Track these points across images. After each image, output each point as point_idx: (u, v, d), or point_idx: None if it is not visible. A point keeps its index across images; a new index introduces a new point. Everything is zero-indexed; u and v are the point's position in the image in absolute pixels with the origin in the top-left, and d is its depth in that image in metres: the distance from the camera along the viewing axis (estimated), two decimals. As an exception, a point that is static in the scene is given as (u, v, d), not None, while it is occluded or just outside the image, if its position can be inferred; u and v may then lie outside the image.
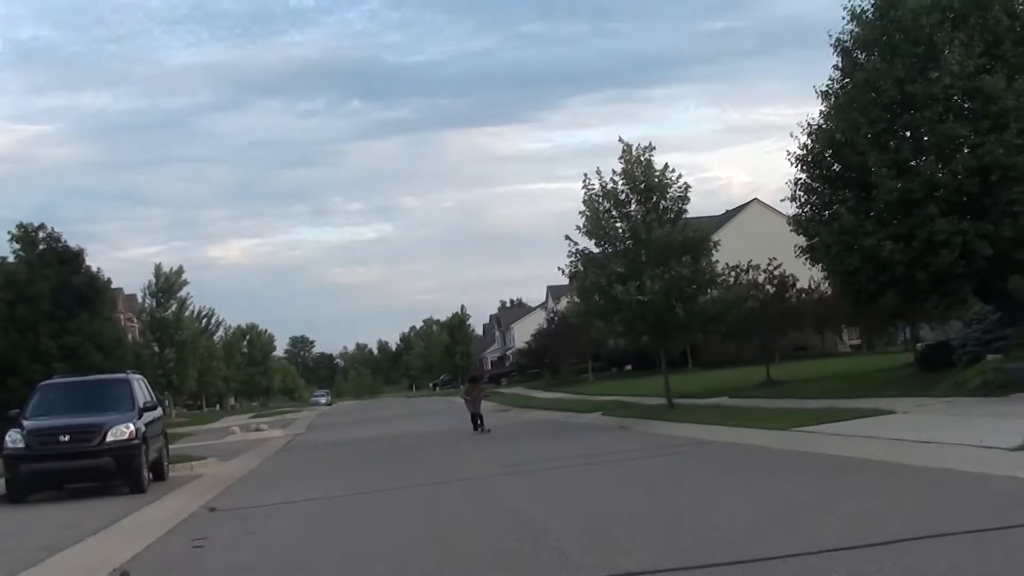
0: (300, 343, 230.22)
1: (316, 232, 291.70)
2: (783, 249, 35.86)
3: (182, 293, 79.09)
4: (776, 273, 41.86)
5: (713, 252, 31.19)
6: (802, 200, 30.13)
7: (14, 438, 19.06)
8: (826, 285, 43.75)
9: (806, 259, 31.17)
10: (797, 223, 30.41)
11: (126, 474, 19.09)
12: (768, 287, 41.61)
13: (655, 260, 29.71)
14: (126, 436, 19.03)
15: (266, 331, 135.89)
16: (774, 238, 44.61)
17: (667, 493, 12.30)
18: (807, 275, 40.37)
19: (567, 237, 31.28)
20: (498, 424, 35.27)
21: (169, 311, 77.56)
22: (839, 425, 17.94)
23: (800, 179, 29.76)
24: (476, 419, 29.99)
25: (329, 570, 9.18)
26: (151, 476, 20.11)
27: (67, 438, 18.93)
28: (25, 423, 19.49)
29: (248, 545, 11.55)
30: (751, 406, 26.73)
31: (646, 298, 28.89)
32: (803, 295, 44.52)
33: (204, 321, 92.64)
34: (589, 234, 30.96)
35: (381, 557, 9.64)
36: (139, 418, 19.90)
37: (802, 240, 30.68)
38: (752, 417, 22.46)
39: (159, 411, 23.15)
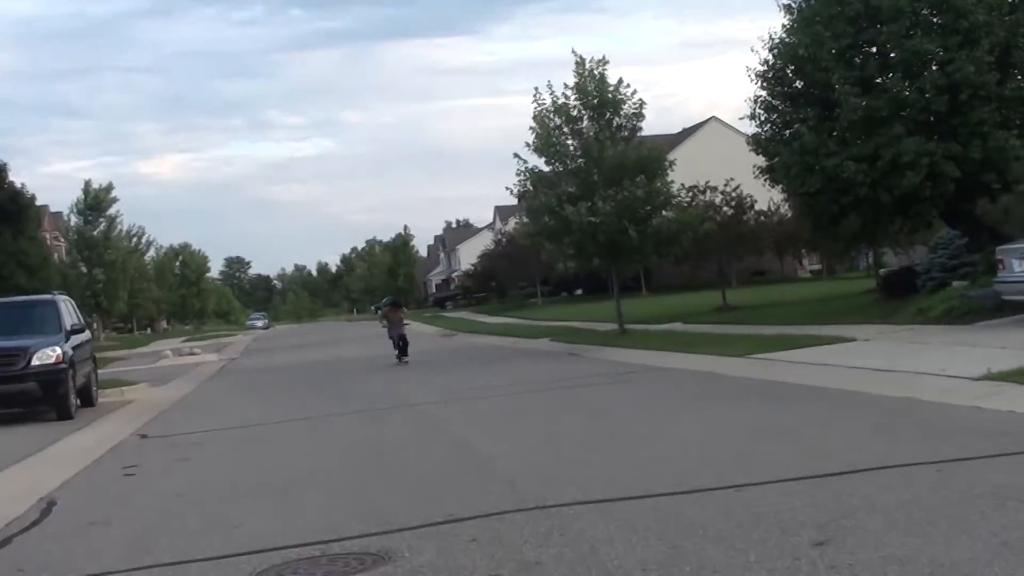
0: (236, 264, 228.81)
1: (253, 147, 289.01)
2: (742, 169, 35.93)
3: (112, 211, 78.19)
4: (734, 194, 42.06)
5: (668, 172, 31.22)
6: (762, 118, 30.07)
7: (-69, 361, 18.82)
8: (786, 207, 44.12)
9: (765, 180, 31.20)
10: (756, 142, 30.39)
11: (53, 400, 18.93)
12: (725, 209, 41.81)
13: (608, 180, 29.69)
14: (52, 360, 18.84)
15: (200, 251, 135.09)
16: (732, 158, 44.74)
17: (617, 421, 12.39)
18: (766, 197, 40.58)
19: (516, 155, 31.18)
20: (442, 349, 35.37)
21: (98, 230, 76.63)
22: (797, 352, 18.13)
23: (760, 96, 29.68)
24: (399, 344, 28.98)
25: (266, 499, 9.17)
26: (79, 402, 19.96)
27: (-11, 361, 18.71)
28: (-57, 346, 19.22)
29: (181, 473, 11.51)
30: (706, 332, 26.94)
31: (598, 219, 28.91)
32: (762, 217, 44.82)
33: (135, 240, 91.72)
34: (539, 152, 30.83)
35: (319, 486, 9.64)
36: (66, 341, 19.68)
37: (761, 160, 30.69)
38: (707, 343, 22.64)
39: (87, 334, 22.94)
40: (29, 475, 12.25)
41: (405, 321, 27.99)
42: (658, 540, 6.33)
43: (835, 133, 26.81)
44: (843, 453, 8.66)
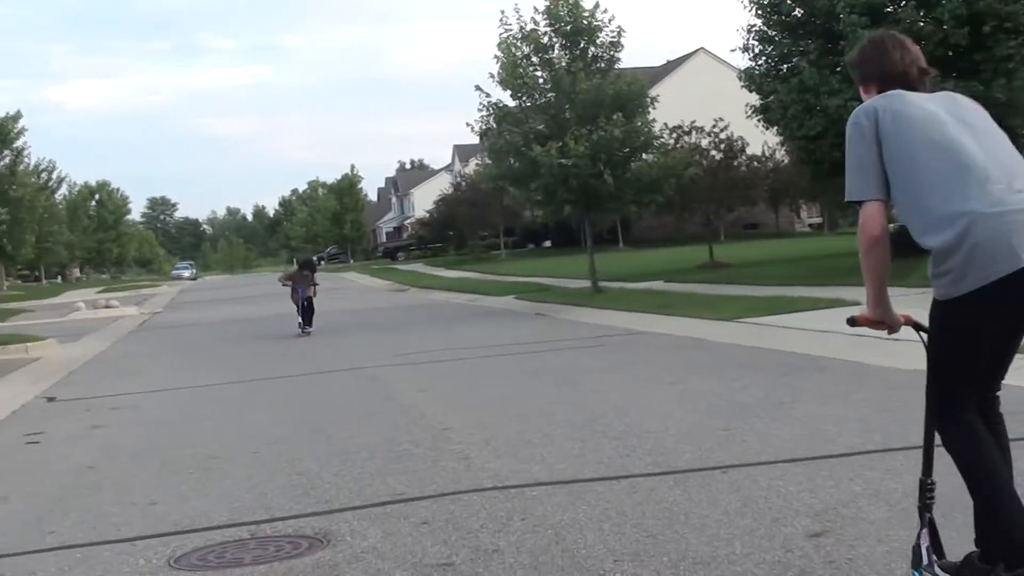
0: (160, 206, 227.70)
1: (180, 74, 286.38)
2: (732, 108, 35.99)
3: (18, 143, 77.13)
4: (723, 136, 42.09)
5: (650, 109, 31.16)
6: (756, 51, 30.07)
7: None
8: (782, 152, 44.32)
9: (759, 121, 31.26)
10: (749, 78, 30.38)
11: (-55, 356, 18.75)
12: (714, 152, 41.87)
13: (581, 117, 29.61)
14: (-55, 311, 18.64)
15: (119, 190, 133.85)
16: (722, 95, 44.80)
17: (590, 391, 12.36)
18: (760, 140, 40.73)
19: (478, 87, 31.03)
20: (393, 306, 35.33)
21: (1, 163, 75.68)
22: (793, 316, 18.18)
23: (754, 26, 29.66)
24: (303, 309, 25.60)
25: (189, 472, 9.10)
26: (-24, 359, 19.78)
27: None
28: None
29: (94, 441, 11.44)
30: (690, 292, 27.00)
31: (570, 162, 28.84)
32: (755, 163, 44.96)
33: (44, 176, 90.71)
34: (504, 84, 30.68)
35: (251, 457, 9.59)
36: (-39, 290, 19.47)
37: (755, 98, 30.71)
38: (691, 305, 22.69)
39: (-14, 282, 22.70)
40: (-82, 442, 12.12)
41: (315, 282, 25.99)
42: (633, 527, 6.31)
43: (839, 69, 26.80)
44: (844, 433, 8.68)
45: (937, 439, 4.62)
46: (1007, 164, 4.41)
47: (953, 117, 4.50)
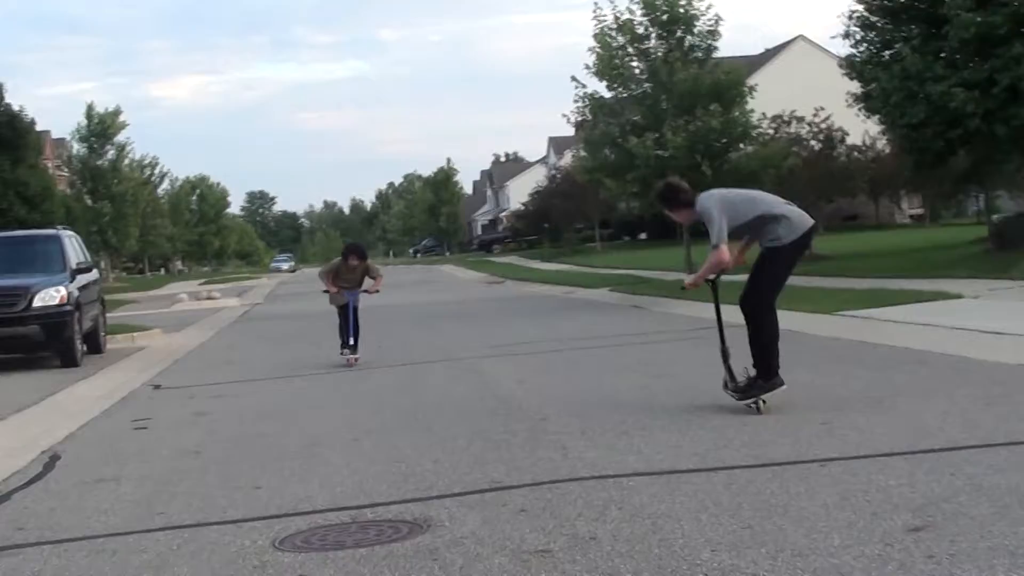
0: (259, 200, 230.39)
1: (277, 69, 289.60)
2: (833, 97, 35.57)
3: (120, 138, 78.56)
4: (823, 126, 41.64)
5: (748, 99, 30.96)
6: (858, 37, 29.66)
7: (-77, 300, 19.00)
8: (883, 142, 43.63)
9: (860, 109, 30.86)
10: (850, 65, 30.01)
11: (56, 345, 19.22)
12: (813, 142, 41.43)
13: (678, 108, 29.53)
14: (56, 301, 19.09)
15: (219, 185, 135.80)
16: (822, 84, 44.27)
17: (685, 383, 12.36)
18: (860, 129, 40.18)
19: (574, 78, 31.04)
20: (489, 298, 35.45)
21: (105, 159, 77.06)
22: (893, 310, 17.97)
23: (856, 12, 29.26)
24: (348, 322, 17.48)
25: (292, 458, 9.25)
26: (85, 348, 20.28)
27: (-14, 302, 18.97)
28: (-64, 283, 19.48)
29: (197, 427, 11.67)
30: (789, 284, 26.43)
31: (666, 153, 28.78)
32: (855, 153, 44.39)
33: (146, 171, 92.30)
34: (600, 75, 30.67)
35: (351, 445, 9.73)
36: (71, 281, 19.95)
37: (856, 86, 30.33)
38: (790, 298, 22.22)
39: (95, 274, 23.22)
40: (31, 426, 12.46)
41: (366, 288, 17.88)
42: (730, 518, 6.32)
43: (943, 55, 26.34)
44: (946, 428, 8.59)
45: None
46: None
47: None
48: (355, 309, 17.50)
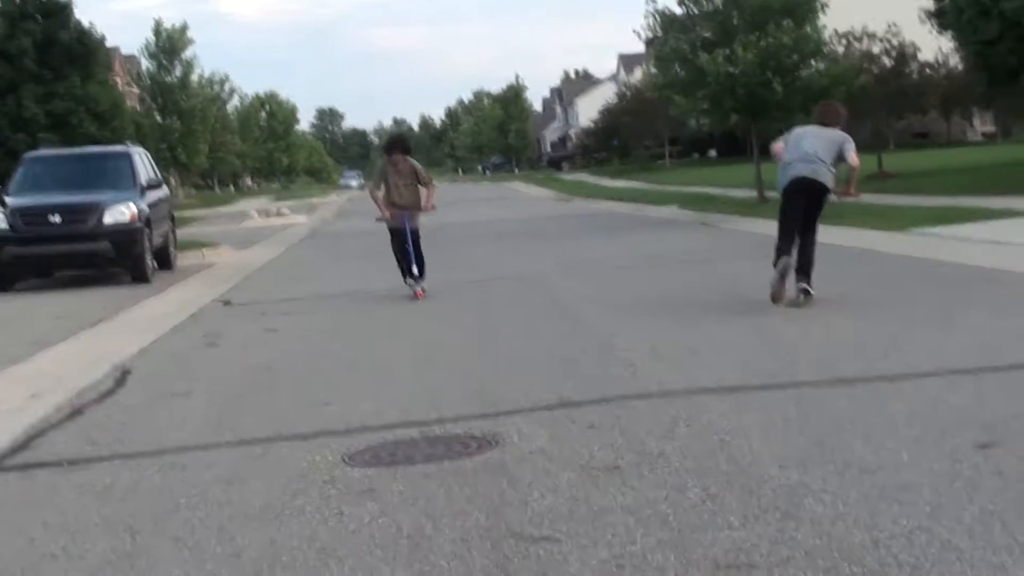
0: (328, 116, 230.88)
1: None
2: (905, 13, 34.94)
3: (188, 54, 78.71)
4: (895, 43, 40.92)
5: (820, 15, 30.42)
6: (932, -48, 29.05)
7: (-5, 217, 19.29)
8: (956, 59, 42.81)
9: (933, 26, 30.28)
10: (924, -19, 29.42)
11: (127, 261, 19.44)
12: (885, 59, 40.76)
13: (750, 23, 29.08)
14: (127, 218, 19.29)
15: (288, 101, 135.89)
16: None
17: (755, 300, 12.26)
18: (933, 46, 39.46)
19: (645, -6, 30.62)
20: (558, 215, 35.40)
21: (173, 75, 77.34)
22: (965, 227, 17.76)
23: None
24: (410, 248, 15.10)
25: (361, 374, 9.33)
26: (155, 264, 20.47)
27: (58, 218, 19.23)
28: (8, 200, 19.79)
29: (268, 344, 11.76)
30: (859, 202, 26.45)
31: (737, 69, 28.40)
32: (927, 70, 43.63)
33: (215, 87, 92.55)
34: (671, -10, 30.27)
35: (420, 362, 9.78)
36: (141, 197, 20.13)
37: (929, 2, 29.74)
38: (860, 215, 22.24)
39: (164, 190, 23.41)
40: (102, 341, 12.63)
41: (425, 180, 15.26)
42: (798, 434, 6.32)
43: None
44: (1017, 346, 8.49)
45: None
46: None
47: None
48: (414, 233, 15.13)
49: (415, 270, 14.90)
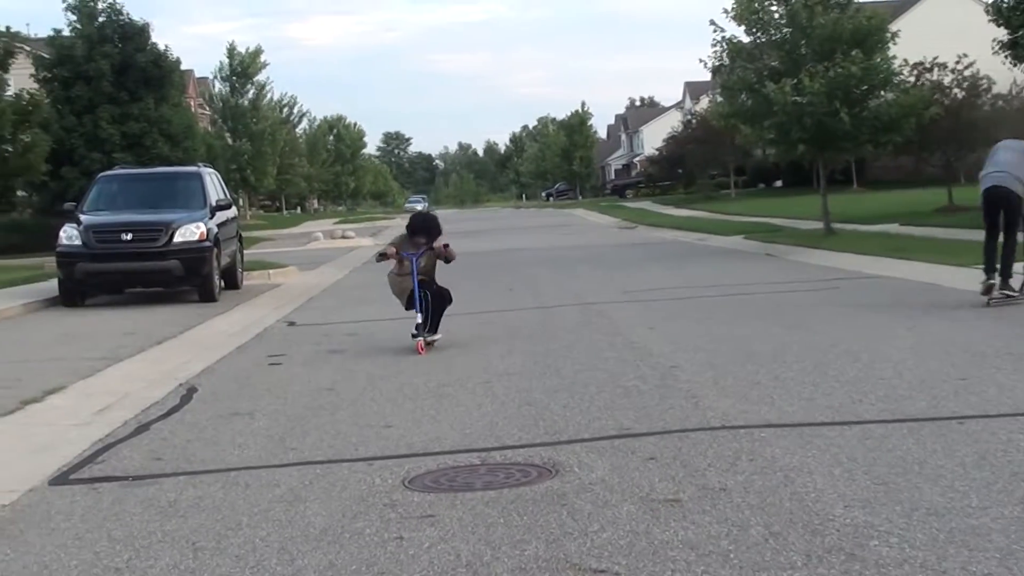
0: (394, 140, 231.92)
1: (415, 10, 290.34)
2: (978, 44, 34.52)
3: (260, 77, 79.60)
4: (967, 74, 40.43)
5: (890, 45, 30.16)
6: (1007, -17, 28.74)
7: (69, 234, 19.63)
8: (1030, 91, 42.29)
9: (1007, 57, 29.94)
10: (997, 11, 29.12)
11: (195, 280, 19.62)
12: (956, 91, 40.26)
13: (818, 53, 28.87)
14: (196, 237, 19.47)
15: (355, 124, 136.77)
16: (967, 30, 43.06)
17: (821, 334, 12.15)
18: (1007, 78, 38.95)
19: (712, 23, 30.48)
20: (621, 243, 35.32)
21: (245, 98, 78.19)
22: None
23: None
24: (423, 302, 12.62)
25: (423, 398, 9.32)
26: (223, 284, 20.65)
27: (129, 236, 19.47)
28: (82, 218, 20.04)
29: (331, 365, 11.82)
30: (927, 236, 26.23)
31: (804, 99, 28.17)
32: (1000, 103, 43.04)
33: (285, 111, 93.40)
34: (738, 19, 30.09)
35: (482, 387, 9.76)
36: (211, 217, 20.31)
37: (1003, 33, 29.41)
38: (927, 249, 22.06)
39: (233, 211, 23.63)
40: (169, 359, 12.74)
41: (443, 251, 13.13)
42: (864, 474, 6.21)
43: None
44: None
45: None
46: None
47: None
48: (427, 286, 12.84)
49: (420, 317, 12.49)
